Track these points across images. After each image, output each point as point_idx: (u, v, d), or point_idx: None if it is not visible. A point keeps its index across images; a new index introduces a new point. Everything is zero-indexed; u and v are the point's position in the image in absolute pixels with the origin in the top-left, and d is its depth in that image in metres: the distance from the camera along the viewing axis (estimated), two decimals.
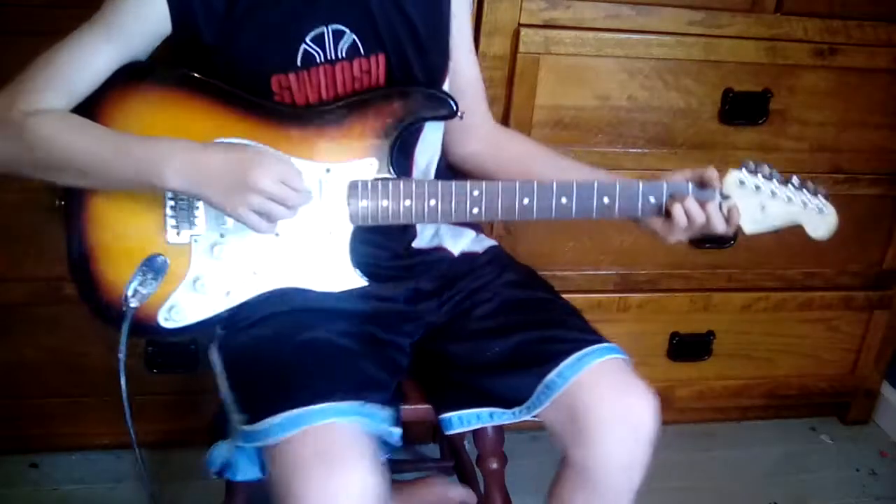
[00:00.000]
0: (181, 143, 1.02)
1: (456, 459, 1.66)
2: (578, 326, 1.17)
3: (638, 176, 1.65)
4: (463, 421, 1.15)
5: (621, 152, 1.67)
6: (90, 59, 1.04)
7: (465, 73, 1.25)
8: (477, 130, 1.28)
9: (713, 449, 1.98)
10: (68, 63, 1.03)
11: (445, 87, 1.20)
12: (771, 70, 1.65)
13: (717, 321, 1.88)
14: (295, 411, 0.98)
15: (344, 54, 1.12)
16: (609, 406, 1.07)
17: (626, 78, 1.61)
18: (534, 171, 1.22)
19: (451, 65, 1.21)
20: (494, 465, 1.32)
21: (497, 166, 1.27)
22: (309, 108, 1.11)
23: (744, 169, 1.12)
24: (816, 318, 1.93)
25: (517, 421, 1.14)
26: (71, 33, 1.05)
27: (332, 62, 1.11)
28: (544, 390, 1.09)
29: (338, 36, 1.11)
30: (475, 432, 1.30)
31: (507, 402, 1.13)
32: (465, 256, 1.30)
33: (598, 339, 1.13)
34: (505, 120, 1.58)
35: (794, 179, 1.13)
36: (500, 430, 1.31)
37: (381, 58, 1.14)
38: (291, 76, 1.10)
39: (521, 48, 1.54)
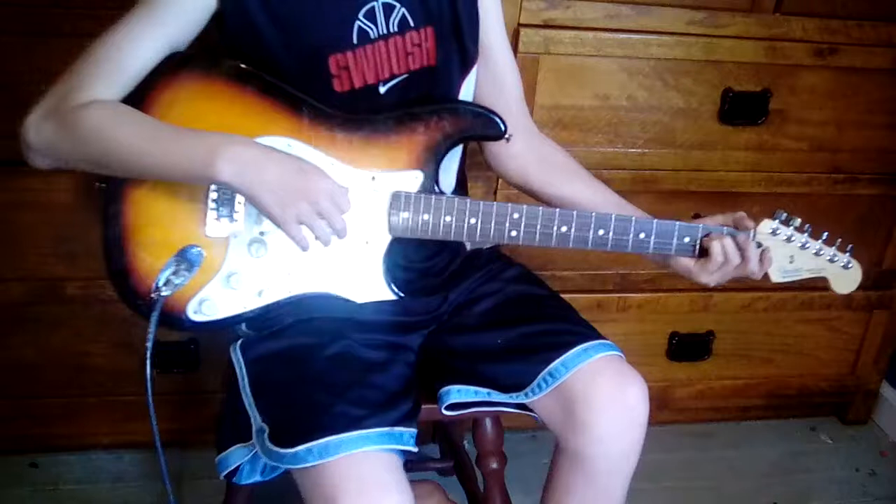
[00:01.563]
0: (238, 137, 1.02)
1: (456, 459, 1.65)
2: (580, 322, 1.20)
3: (637, 176, 1.67)
4: (462, 393, 1.16)
5: (621, 152, 1.67)
6: (138, 44, 1.03)
7: (499, 62, 1.23)
8: (521, 132, 1.24)
9: (713, 449, 1.98)
10: (117, 51, 1.02)
11: (473, 74, 1.20)
12: (771, 70, 1.65)
13: (717, 321, 1.88)
14: (329, 439, 0.99)
15: (396, 28, 1.11)
16: (605, 394, 1.10)
17: (625, 78, 1.61)
18: (574, 186, 1.23)
19: (484, 52, 1.20)
20: (494, 465, 1.32)
21: (537, 175, 1.26)
22: (359, 113, 1.10)
23: (777, 220, 1.14)
24: (816, 318, 1.93)
25: (514, 403, 1.16)
26: (118, 20, 1.04)
27: (385, 37, 1.11)
28: (547, 377, 1.11)
29: (388, 10, 1.11)
30: (475, 431, 1.31)
31: (507, 388, 1.14)
32: (473, 252, 1.31)
33: (599, 335, 1.16)
34: None
35: (824, 234, 1.16)
36: (499, 429, 1.31)
37: (430, 31, 1.13)
38: (349, 54, 1.09)
39: (521, 48, 1.54)
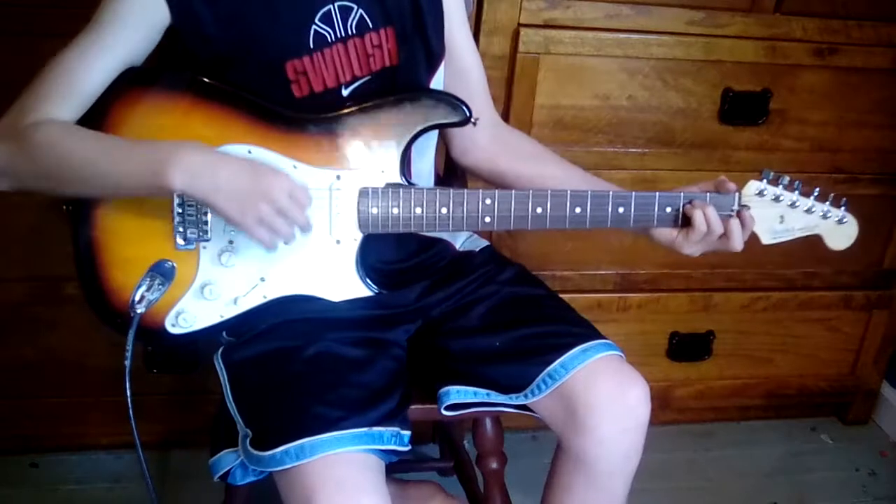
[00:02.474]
0: (190, 144, 1.01)
1: (456, 459, 1.65)
2: (578, 322, 1.19)
3: (638, 175, 1.67)
4: (462, 394, 1.16)
5: (621, 152, 1.67)
6: (92, 62, 1.03)
7: (464, 58, 1.23)
8: (486, 123, 1.25)
9: (713, 449, 1.98)
10: (71, 70, 1.02)
11: (440, 72, 1.20)
12: (771, 70, 1.65)
13: (717, 321, 1.88)
14: (306, 440, 0.99)
15: (354, 30, 1.11)
16: (606, 395, 1.10)
17: (625, 78, 1.61)
18: (545, 170, 1.23)
19: (449, 49, 1.20)
20: (494, 465, 1.32)
21: (508, 164, 1.26)
22: (319, 114, 1.10)
23: (764, 179, 1.11)
24: (816, 318, 1.93)
25: (514, 404, 1.16)
26: (72, 40, 1.04)
27: (343, 39, 1.10)
28: (546, 379, 1.11)
29: (345, 12, 1.10)
30: (475, 431, 1.31)
31: (506, 389, 1.14)
32: (464, 254, 1.30)
33: (598, 334, 1.16)
34: (505, 120, 1.58)
35: (816, 190, 1.12)
36: (499, 429, 1.31)
37: (390, 31, 1.13)
38: (306, 59, 1.09)
39: (521, 48, 1.54)
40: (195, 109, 1.07)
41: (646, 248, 1.76)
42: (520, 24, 1.54)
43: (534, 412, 1.17)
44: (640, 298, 1.81)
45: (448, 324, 1.21)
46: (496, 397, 1.15)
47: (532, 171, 1.24)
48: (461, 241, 1.32)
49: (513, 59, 1.55)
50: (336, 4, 1.09)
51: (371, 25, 1.12)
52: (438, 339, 1.20)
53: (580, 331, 1.16)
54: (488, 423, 1.30)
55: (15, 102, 1.03)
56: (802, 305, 1.90)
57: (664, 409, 1.95)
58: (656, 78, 1.62)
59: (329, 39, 1.10)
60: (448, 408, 1.17)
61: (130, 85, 1.06)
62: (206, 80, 1.08)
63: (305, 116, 1.09)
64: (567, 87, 1.60)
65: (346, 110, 1.10)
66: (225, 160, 1.01)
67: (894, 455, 2.02)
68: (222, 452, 1.15)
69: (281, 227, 1.03)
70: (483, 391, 1.15)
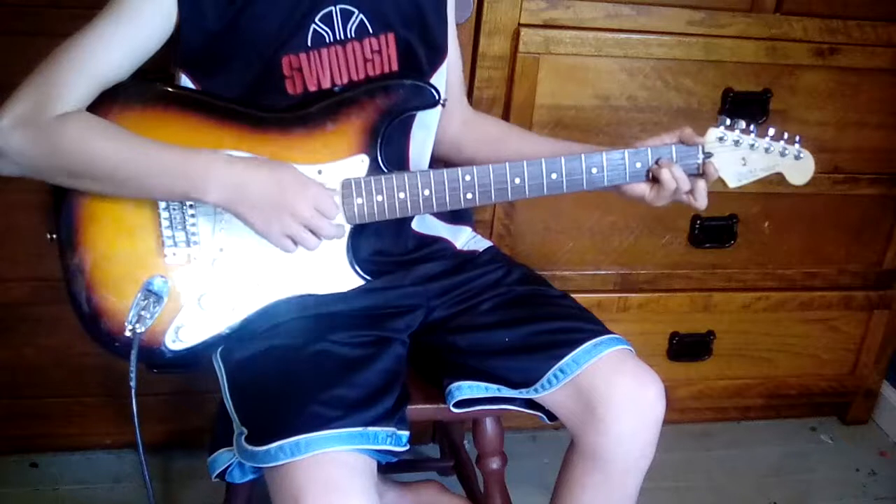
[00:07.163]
0: (223, 157, 1.02)
1: (456, 459, 1.66)
2: (588, 318, 1.20)
3: None
4: (473, 389, 1.16)
5: None
6: (107, 50, 1.02)
7: (450, 56, 1.25)
8: (457, 114, 1.30)
9: (713, 449, 1.98)
10: (87, 58, 1.02)
11: (444, 69, 1.21)
12: (771, 70, 1.65)
13: (717, 321, 1.88)
14: (298, 438, 0.99)
15: (353, 34, 1.12)
16: (623, 392, 1.10)
17: (626, 78, 1.61)
18: (508, 148, 1.27)
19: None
20: (494, 465, 1.32)
21: (473, 148, 1.31)
22: (291, 111, 1.10)
23: (721, 125, 1.16)
24: (816, 318, 1.93)
25: (524, 399, 1.16)
26: (82, 28, 1.03)
27: (341, 42, 1.12)
28: (557, 373, 1.11)
29: (346, 15, 1.11)
30: (475, 431, 1.31)
31: (516, 384, 1.15)
32: (467, 253, 1.31)
33: (609, 331, 1.16)
34: (505, 119, 1.58)
35: (770, 130, 1.17)
36: (500, 429, 1.31)
37: (391, 37, 1.14)
38: (302, 56, 1.09)
39: (521, 48, 1.54)
40: (167, 120, 1.06)
41: (646, 248, 1.77)
42: (520, 24, 1.54)
43: (544, 412, 1.18)
44: (640, 298, 1.81)
45: (455, 320, 1.21)
46: (506, 392, 1.15)
47: (500, 151, 1.27)
48: (463, 241, 1.32)
49: (513, 59, 1.55)
50: (338, 7, 1.10)
51: (371, 31, 1.13)
52: (445, 336, 1.20)
53: (591, 327, 1.16)
54: (488, 423, 1.30)
55: (31, 86, 1.00)
56: (802, 305, 1.90)
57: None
58: (657, 78, 1.62)
59: (327, 40, 1.11)
60: (457, 405, 1.17)
61: (101, 103, 1.04)
62: (174, 89, 1.08)
63: (280, 115, 1.10)
64: (567, 87, 1.60)
65: (319, 105, 1.10)
66: (254, 173, 1.02)
67: (894, 455, 2.02)
68: (219, 451, 1.15)
69: (303, 240, 1.05)
70: (494, 386, 1.16)
